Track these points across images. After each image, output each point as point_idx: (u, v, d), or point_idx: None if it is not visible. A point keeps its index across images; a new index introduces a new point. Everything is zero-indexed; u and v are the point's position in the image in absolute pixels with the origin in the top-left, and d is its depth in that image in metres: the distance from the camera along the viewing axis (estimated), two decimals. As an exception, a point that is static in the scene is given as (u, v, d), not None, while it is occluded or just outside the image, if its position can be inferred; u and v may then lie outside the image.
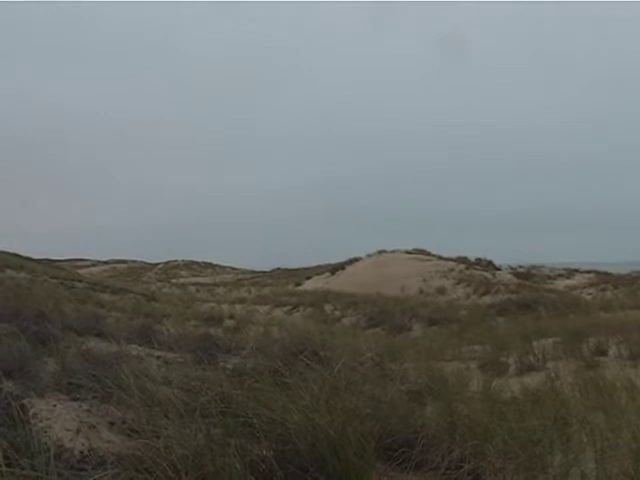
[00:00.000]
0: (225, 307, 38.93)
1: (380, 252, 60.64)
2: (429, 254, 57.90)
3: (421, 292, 44.46)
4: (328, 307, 40.19)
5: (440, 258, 55.60)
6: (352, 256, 63.22)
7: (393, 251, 60.07)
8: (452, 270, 49.81)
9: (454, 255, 55.53)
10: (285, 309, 42.06)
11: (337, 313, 37.91)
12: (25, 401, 4.82)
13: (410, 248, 60.10)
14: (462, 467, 5.01)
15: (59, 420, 5.32)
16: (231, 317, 30.10)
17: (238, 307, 41.05)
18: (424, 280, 46.92)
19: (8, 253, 47.70)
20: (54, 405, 5.80)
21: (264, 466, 4.09)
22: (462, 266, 51.13)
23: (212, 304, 42.26)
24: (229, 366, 8.54)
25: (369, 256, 60.92)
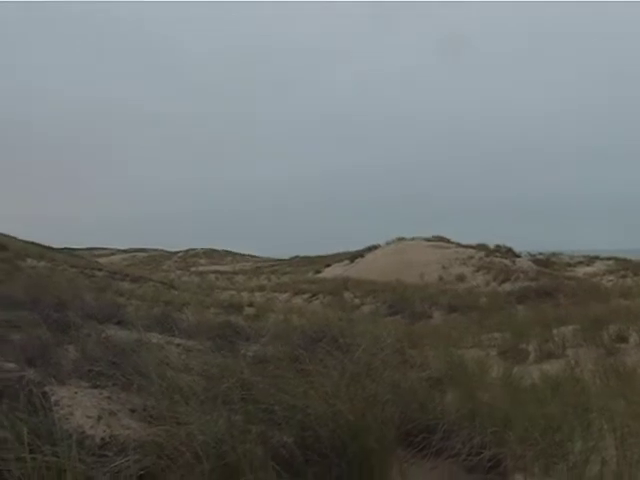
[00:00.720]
0: (245, 295, 39.07)
1: (399, 239, 60.50)
2: (448, 241, 57.67)
3: (441, 279, 44.34)
4: (347, 295, 40.18)
5: (459, 245, 55.37)
6: (371, 244, 63.18)
7: (412, 238, 59.86)
8: (472, 257, 49.63)
9: (473, 242, 55.32)
10: (304, 297, 42.11)
11: (357, 301, 37.90)
12: (47, 388, 4.85)
13: (429, 235, 59.94)
14: (482, 454, 5.02)
15: (80, 407, 5.34)
16: (251, 305, 30.19)
17: (257, 295, 41.17)
18: (443, 267, 46.82)
19: (28, 242, 47.95)
20: (75, 392, 5.83)
21: (285, 452, 4.10)
22: (482, 253, 50.92)
23: (232, 292, 42.40)
24: (249, 353, 8.54)
25: (388, 244, 60.76)
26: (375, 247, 61.56)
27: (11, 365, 5.59)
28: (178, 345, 9.68)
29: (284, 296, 43.11)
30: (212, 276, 67.66)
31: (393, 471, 4.44)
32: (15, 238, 45.19)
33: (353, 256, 61.92)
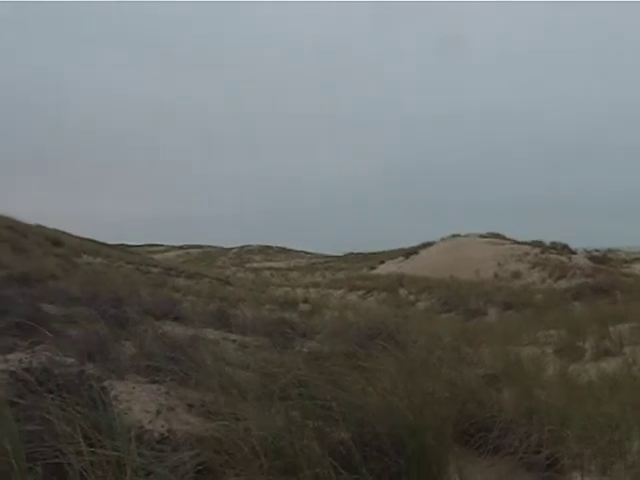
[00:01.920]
0: (299, 291, 39.18)
1: (454, 236, 60.34)
2: (504, 238, 57.31)
3: (496, 276, 44.11)
4: (402, 291, 40.15)
5: (515, 242, 54.99)
6: (425, 240, 63.01)
7: (467, 235, 59.64)
8: (527, 254, 49.27)
9: (529, 239, 54.85)
10: (359, 293, 42.17)
11: (411, 297, 37.89)
12: (106, 383, 4.89)
13: (483, 232, 59.57)
14: (540, 452, 4.97)
15: (139, 402, 5.38)
16: (305, 301, 30.25)
17: (312, 291, 41.29)
18: (499, 264, 46.52)
19: (84, 239, 48.56)
20: (133, 387, 5.88)
21: (342, 449, 4.08)
22: (537, 250, 50.54)
23: (286, 288, 42.58)
24: (305, 350, 8.55)
25: (443, 240, 60.61)
26: (430, 244, 61.41)
27: (71, 360, 5.65)
28: (234, 341, 9.73)
29: (339, 292, 43.19)
30: (267, 272, 67.97)
31: (451, 468, 4.40)
32: (71, 235, 45.77)
33: (407, 253, 61.85)
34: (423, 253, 59.07)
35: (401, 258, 60.82)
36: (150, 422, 4.75)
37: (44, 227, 39.71)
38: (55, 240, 35.01)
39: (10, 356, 5.51)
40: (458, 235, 60.26)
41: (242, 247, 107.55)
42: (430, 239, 62.71)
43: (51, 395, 4.12)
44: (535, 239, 54.29)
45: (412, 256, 59.48)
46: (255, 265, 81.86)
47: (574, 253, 51.01)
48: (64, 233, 43.45)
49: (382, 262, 63.12)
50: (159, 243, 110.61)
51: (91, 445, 3.51)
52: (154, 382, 6.18)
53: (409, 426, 4.25)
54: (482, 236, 58.21)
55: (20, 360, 4.91)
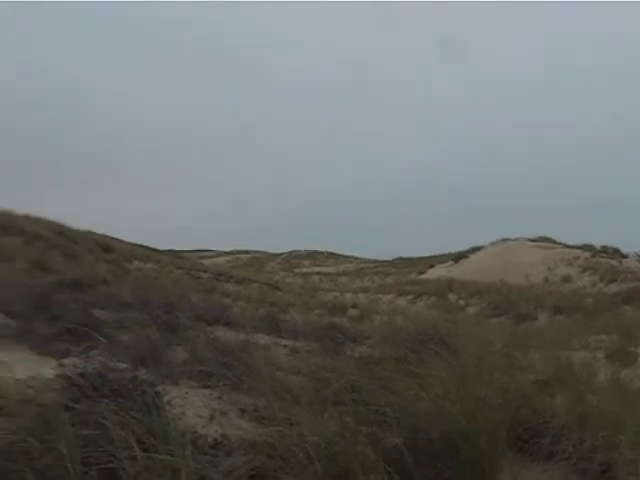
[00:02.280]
0: (348, 296, 39.21)
1: (503, 240, 60.02)
2: (554, 242, 56.77)
3: (546, 280, 43.66)
4: (452, 296, 39.94)
5: (565, 246, 54.45)
6: (474, 245, 62.72)
7: (516, 239, 59.23)
8: (577, 258, 48.73)
9: (579, 243, 54.28)
10: (408, 298, 42.06)
11: (461, 302, 37.65)
12: (159, 388, 4.91)
13: (534, 236, 59.09)
14: (593, 458, 4.90)
15: (192, 407, 5.41)
16: (355, 306, 30.25)
17: (361, 296, 41.27)
18: (549, 268, 46.08)
19: (134, 244, 49.07)
20: (186, 392, 5.91)
21: (396, 454, 4.06)
22: (588, 254, 49.96)
23: (335, 293, 42.62)
24: (356, 355, 8.54)
25: (492, 244, 60.31)
26: (479, 248, 61.15)
27: (124, 365, 5.69)
28: (285, 346, 9.74)
29: (388, 297, 43.13)
30: (315, 277, 68.11)
31: (504, 474, 4.36)
32: (121, 240, 46.27)
33: (457, 257, 61.63)
34: (473, 257, 58.80)
35: (450, 262, 60.60)
36: (203, 427, 4.76)
37: (94, 233, 40.21)
38: (105, 246, 35.42)
39: (65, 361, 5.56)
40: (508, 239, 59.91)
41: (290, 252, 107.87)
42: (479, 243, 62.52)
43: (106, 400, 4.15)
44: (585, 243, 53.72)
45: (461, 260, 59.23)
46: (304, 270, 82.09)
47: (625, 257, 50.27)
48: (114, 239, 43.95)
49: (431, 267, 62.97)
50: (208, 249, 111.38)
51: (145, 450, 3.53)
52: (207, 387, 6.21)
53: (462, 431, 4.21)
54: (532, 240, 57.76)
55: (75, 365, 4.94)
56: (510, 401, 5.60)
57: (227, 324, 11.25)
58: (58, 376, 4.75)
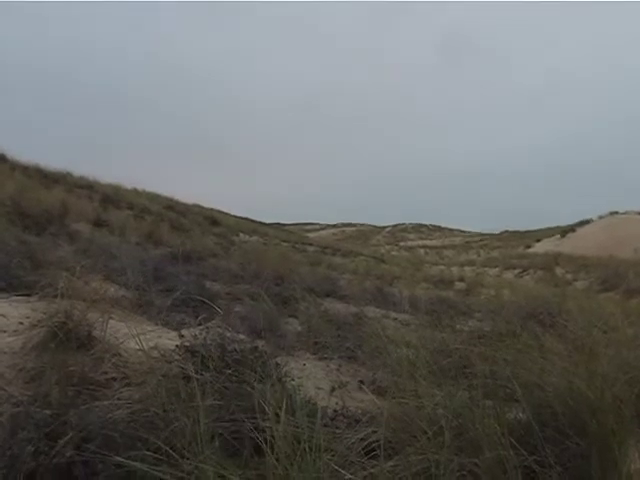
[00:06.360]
0: (454, 270, 38.90)
1: (612, 213, 58.56)
2: (665, 214, 55.10)
3: (656, 254, 42.41)
4: (559, 270, 39.25)
5: (677, 219, 52.78)
6: (583, 218, 61.42)
7: (625, 212, 57.69)
8: (690, 231, 47.18)
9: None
10: (515, 272, 41.60)
11: (568, 276, 36.98)
12: (278, 359, 4.93)
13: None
14: None
15: (310, 378, 5.44)
16: (461, 280, 29.97)
17: (467, 270, 40.95)
18: (659, 242, 44.71)
19: (240, 218, 49.69)
20: (304, 364, 5.94)
21: (521, 429, 3.99)
22: (702, 226, 48.34)
23: (441, 267, 42.38)
24: (466, 328, 8.47)
25: (600, 218, 58.93)
26: (587, 221, 59.89)
27: (242, 336, 5.74)
28: (395, 319, 9.73)
29: (494, 271, 42.70)
30: (421, 251, 67.91)
31: (632, 451, 4.24)
32: (227, 214, 46.91)
33: (564, 231, 60.55)
34: (580, 231, 57.66)
35: (557, 236, 59.60)
36: (323, 399, 4.77)
37: (202, 207, 40.86)
38: (213, 219, 35.96)
39: (184, 332, 5.62)
40: (616, 212, 58.42)
41: (396, 225, 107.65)
42: (587, 217, 61.17)
43: (228, 370, 4.18)
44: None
45: (569, 234, 58.20)
46: (409, 243, 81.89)
47: None
48: (221, 212, 44.58)
49: (538, 240, 62.05)
50: (314, 222, 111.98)
51: (268, 420, 3.54)
52: (323, 359, 6.23)
53: (590, 407, 4.11)
54: (641, 213, 56.14)
55: (194, 336, 5.00)
56: (636, 377, 5.46)
57: (336, 296, 11.29)
58: (178, 346, 4.82)
